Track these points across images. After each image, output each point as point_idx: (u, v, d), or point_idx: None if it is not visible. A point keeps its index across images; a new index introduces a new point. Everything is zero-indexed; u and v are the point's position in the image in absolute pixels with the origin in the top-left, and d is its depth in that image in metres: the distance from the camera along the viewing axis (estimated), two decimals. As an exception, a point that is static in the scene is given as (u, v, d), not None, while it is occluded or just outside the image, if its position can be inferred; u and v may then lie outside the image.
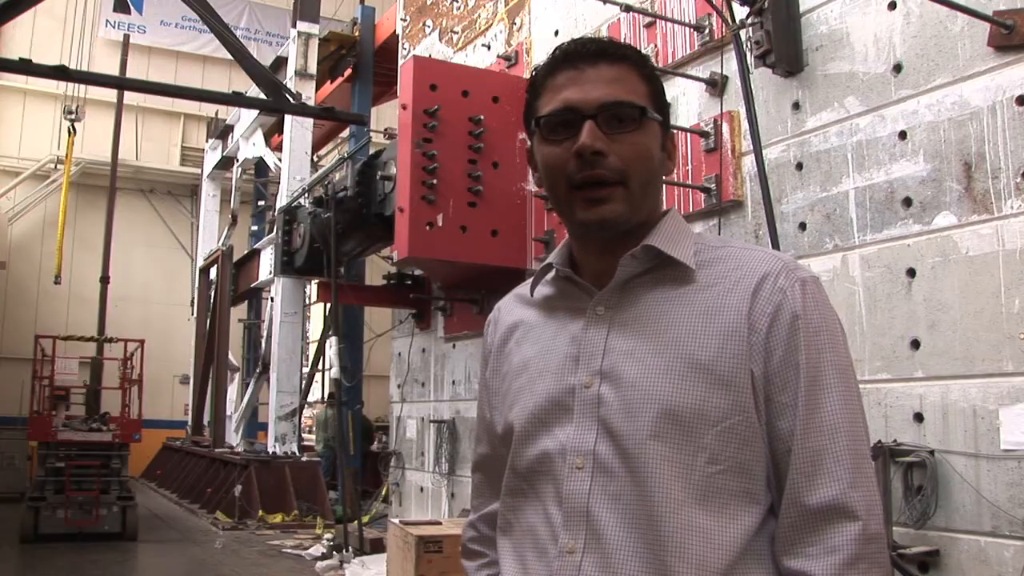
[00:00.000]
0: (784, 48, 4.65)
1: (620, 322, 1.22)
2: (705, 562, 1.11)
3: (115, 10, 19.87)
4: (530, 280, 1.37)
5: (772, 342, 1.16)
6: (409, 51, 9.51)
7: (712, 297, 1.19)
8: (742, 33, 4.68)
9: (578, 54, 1.23)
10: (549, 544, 1.18)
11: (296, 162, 12.66)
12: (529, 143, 1.31)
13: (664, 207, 1.32)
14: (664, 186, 1.30)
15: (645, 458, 1.14)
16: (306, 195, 11.28)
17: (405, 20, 9.89)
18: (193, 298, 17.46)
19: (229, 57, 7.37)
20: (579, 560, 1.14)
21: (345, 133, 15.43)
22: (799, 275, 1.20)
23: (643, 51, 1.23)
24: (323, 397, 15.42)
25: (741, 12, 4.74)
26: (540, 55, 7.38)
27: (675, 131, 5.18)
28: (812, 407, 1.14)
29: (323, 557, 8.30)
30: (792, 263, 1.22)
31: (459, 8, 8.78)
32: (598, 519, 1.14)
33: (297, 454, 12.19)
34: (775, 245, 4.48)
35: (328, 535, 9.27)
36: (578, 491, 1.16)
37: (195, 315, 17.05)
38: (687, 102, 5.62)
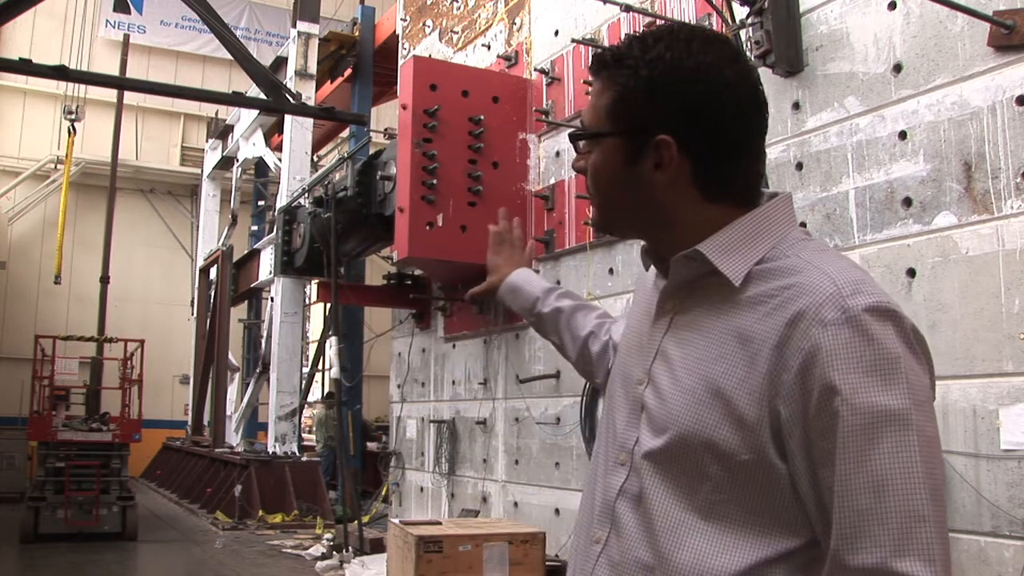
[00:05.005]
0: (784, 48, 4.65)
1: (677, 324, 1.20)
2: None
3: (115, 10, 19.87)
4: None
5: (808, 383, 1.02)
6: (409, 51, 9.51)
7: (750, 319, 1.09)
8: (742, 33, 4.67)
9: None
10: (590, 525, 1.24)
11: (296, 162, 12.66)
12: None
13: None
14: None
15: (658, 474, 1.15)
16: (306, 195, 11.27)
17: (405, 20, 9.89)
18: (193, 298, 17.46)
19: (229, 57, 7.37)
20: (598, 552, 1.19)
21: (345, 133, 15.43)
22: (848, 305, 1.02)
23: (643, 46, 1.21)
24: (323, 397, 15.40)
25: (741, 12, 4.74)
26: (540, 55, 7.38)
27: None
28: (855, 459, 0.99)
29: (323, 557, 8.30)
30: (847, 288, 1.04)
31: (459, 8, 8.78)
32: (620, 520, 1.18)
33: (297, 454, 12.19)
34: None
35: (328, 535, 9.27)
36: (612, 486, 1.20)
37: (195, 315, 17.05)
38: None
